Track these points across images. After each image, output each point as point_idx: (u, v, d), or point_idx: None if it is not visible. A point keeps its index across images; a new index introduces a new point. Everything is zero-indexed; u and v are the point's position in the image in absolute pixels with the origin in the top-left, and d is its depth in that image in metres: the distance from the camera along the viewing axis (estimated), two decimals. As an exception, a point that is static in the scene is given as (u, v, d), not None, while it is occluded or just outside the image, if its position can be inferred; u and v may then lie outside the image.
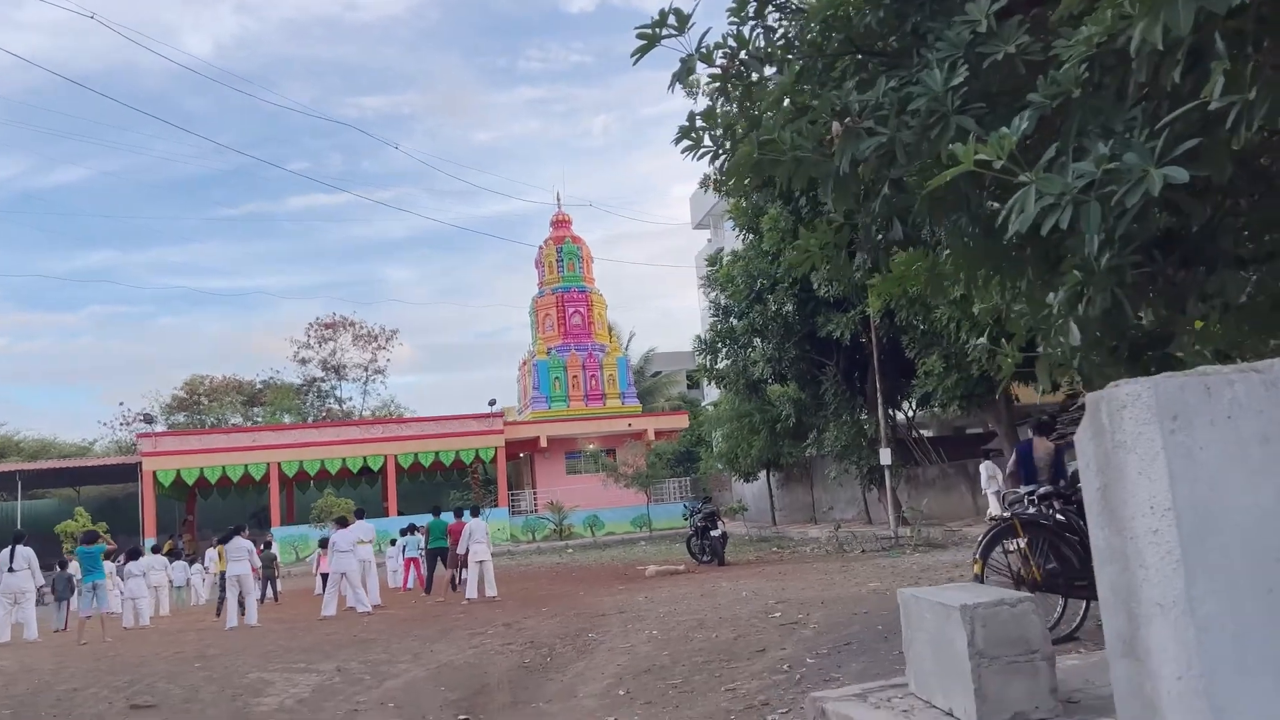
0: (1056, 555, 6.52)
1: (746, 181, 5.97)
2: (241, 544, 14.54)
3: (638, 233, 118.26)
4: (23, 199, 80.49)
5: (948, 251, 6.15)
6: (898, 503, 21.30)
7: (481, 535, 15.46)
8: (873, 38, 5.31)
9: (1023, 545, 6.44)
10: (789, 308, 21.79)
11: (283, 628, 13.10)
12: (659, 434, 38.68)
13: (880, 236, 5.77)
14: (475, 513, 17.79)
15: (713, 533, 18.91)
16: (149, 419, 37.67)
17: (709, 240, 51.30)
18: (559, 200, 43.48)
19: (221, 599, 15.92)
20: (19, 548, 14.28)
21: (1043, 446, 8.89)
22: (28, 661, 11.28)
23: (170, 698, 7.81)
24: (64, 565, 17.75)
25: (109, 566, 16.55)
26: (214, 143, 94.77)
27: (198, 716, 7.06)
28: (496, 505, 36.33)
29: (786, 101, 5.42)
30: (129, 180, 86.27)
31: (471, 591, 15.18)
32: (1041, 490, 7.02)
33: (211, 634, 13.10)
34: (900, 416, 25.78)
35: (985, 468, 20.91)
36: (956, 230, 5.54)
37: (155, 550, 20.25)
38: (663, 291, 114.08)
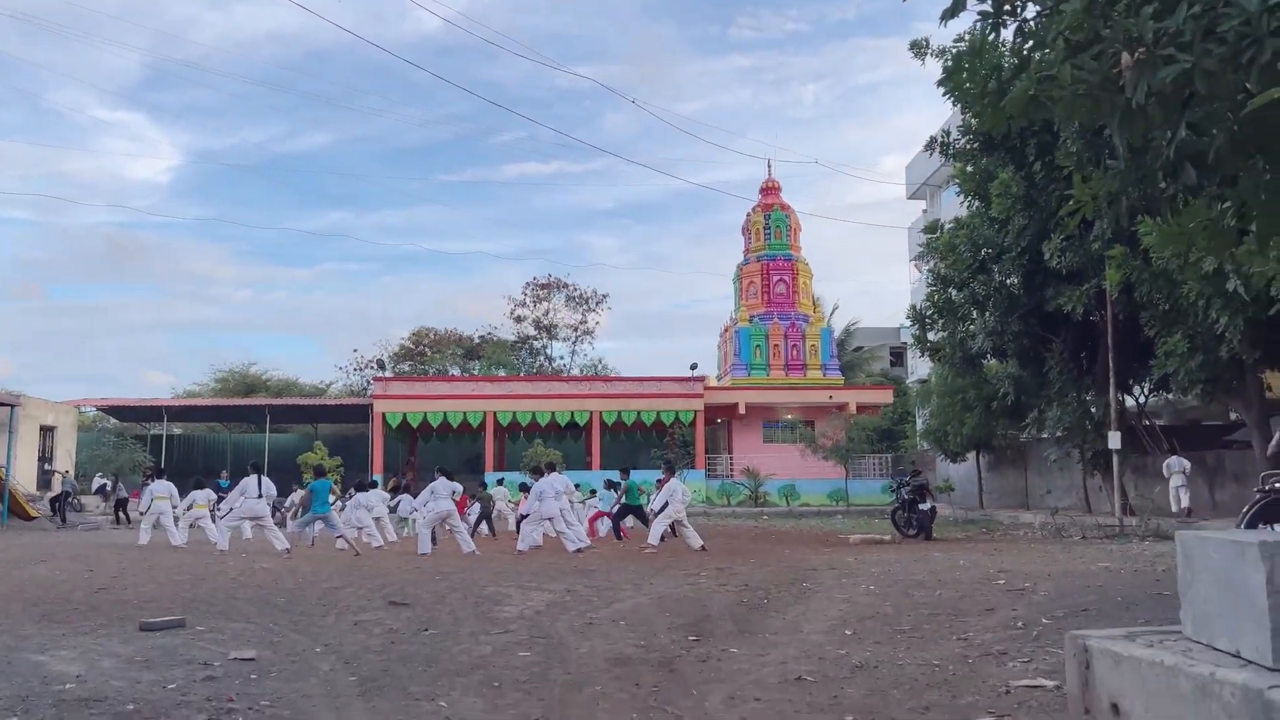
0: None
1: (1011, 120, 5.78)
2: (446, 484, 15.54)
3: (845, 204, 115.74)
4: (274, 161, 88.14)
5: (1227, 204, 5.75)
6: (1124, 491, 20.03)
7: (681, 498, 15.80)
8: (1169, -33, 5.00)
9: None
10: (1015, 279, 20.80)
11: (507, 557, 13.93)
12: (861, 408, 37.98)
13: (1165, 185, 5.43)
14: (671, 472, 18.00)
15: (921, 506, 18.42)
16: (381, 365, 40.65)
17: (924, 211, 49.60)
18: (770, 167, 43.25)
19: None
20: (264, 478, 16.16)
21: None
22: (290, 565, 12.59)
23: (421, 599, 8.55)
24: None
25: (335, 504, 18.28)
26: (440, 112, 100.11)
27: (447, 615, 7.69)
28: (694, 467, 36.90)
29: (1061, 41, 5.18)
30: (364, 147, 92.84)
31: (654, 539, 15.46)
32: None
33: (443, 556, 14.11)
34: (1130, 402, 24.17)
35: (1175, 462, 20.91)
36: (1257, 177, 5.17)
37: (376, 486, 22.16)
38: (869, 265, 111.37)
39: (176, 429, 43.97)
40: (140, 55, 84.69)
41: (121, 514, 26.70)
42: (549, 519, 15.26)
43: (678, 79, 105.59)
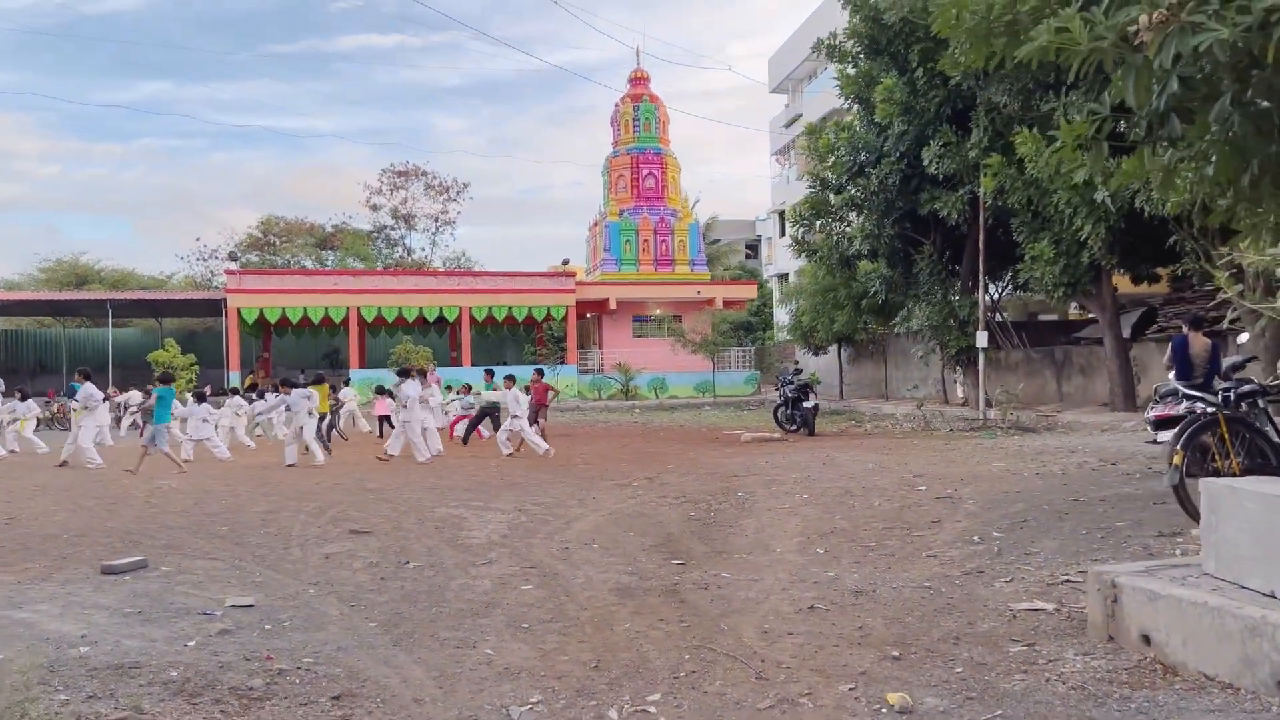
0: (1254, 451, 6.75)
1: (1024, 61, 5.92)
2: (303, 395, 15.25)
3: (692, 92, 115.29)
4: (75, 22, 79.80)
5: (1184, 147, 6.12)
6: (984, 385, 21.48)
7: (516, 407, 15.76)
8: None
9: (1226, 439, 6.66)
10: (893, 182, 21.51)
11: (423, 469, 13.77)
12: (727, 303, 38.88)
13: (1147, 135, 5.76)
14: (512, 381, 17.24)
15: (805, 404, 19.31)
16: (234, 257, 38.38)
17: (786, 105, 50.07)
18: (638, 55, 42.45)
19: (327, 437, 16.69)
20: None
21: (1199, 342, 8.98)
22: (195, 483, 12.06)
23: (379, 527, 8.41)
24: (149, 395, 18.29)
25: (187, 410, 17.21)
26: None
27: (417, 543, 7.63)
28: (565, 362, 37.07)
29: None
30: (181, 10, 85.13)
31: (539, 448, 15.32)
32: (1246, 388, 7.20)
33: (351, 467, 13.82)
34: (986, 299, 25.69)
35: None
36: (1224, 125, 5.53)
37: (235, 390, 21.86)
38: (723, 154, 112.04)
39: (-2, 324, 40.56)
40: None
41: None
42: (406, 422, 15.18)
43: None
